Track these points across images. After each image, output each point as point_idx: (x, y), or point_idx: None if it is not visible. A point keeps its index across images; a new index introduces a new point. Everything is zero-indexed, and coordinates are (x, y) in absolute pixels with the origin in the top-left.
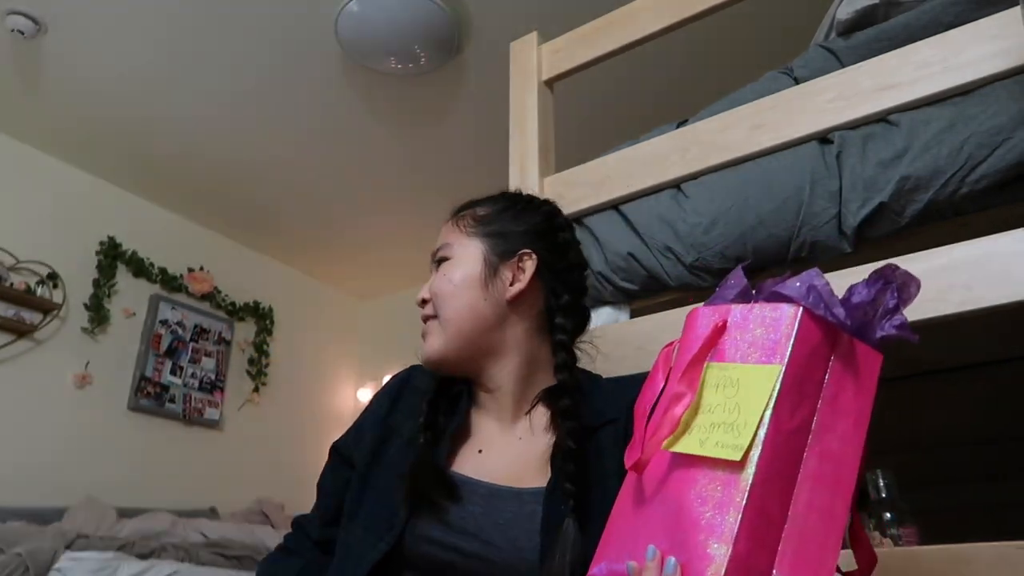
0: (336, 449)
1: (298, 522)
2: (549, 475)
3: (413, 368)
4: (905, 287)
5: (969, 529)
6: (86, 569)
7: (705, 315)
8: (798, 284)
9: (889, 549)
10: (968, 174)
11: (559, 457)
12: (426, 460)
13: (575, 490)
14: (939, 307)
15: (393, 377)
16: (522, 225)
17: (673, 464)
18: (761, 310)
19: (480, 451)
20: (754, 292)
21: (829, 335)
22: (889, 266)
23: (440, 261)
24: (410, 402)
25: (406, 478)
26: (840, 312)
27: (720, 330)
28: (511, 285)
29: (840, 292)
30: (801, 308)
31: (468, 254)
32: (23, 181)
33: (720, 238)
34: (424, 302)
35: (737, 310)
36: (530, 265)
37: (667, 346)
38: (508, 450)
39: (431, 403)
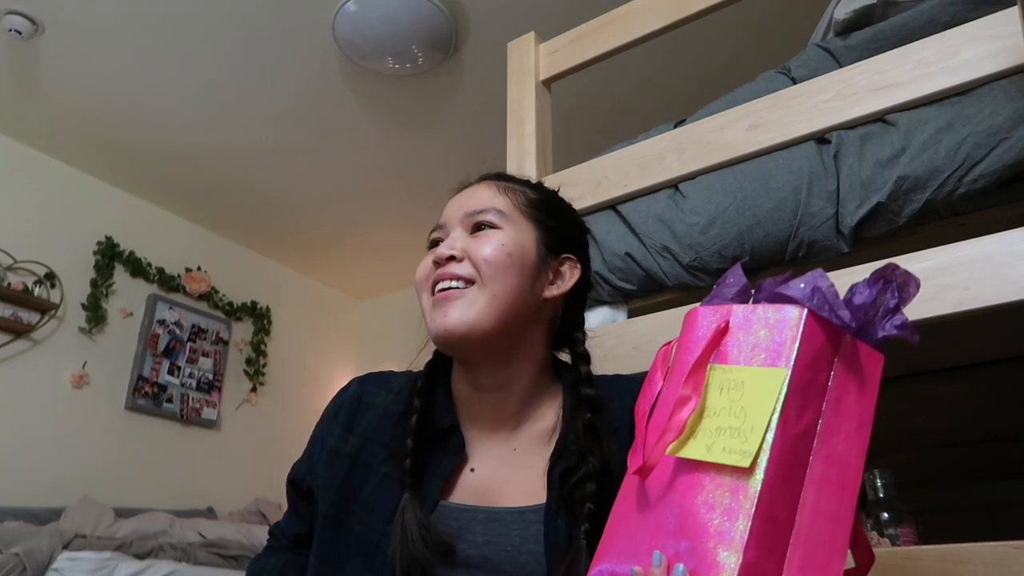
0: (292, 483)
1: (272, 532)
2: (546, 490)
3: (362, 382)
4: (905, 286)
5: (967, 529)
6: (83, 569)
7: (706, 315)
8: (802, 285)
9: (887, 549)
10: (965, 174)
11: (557, 473)
12: (417, 522)
13: (595, 512)
14: (937, 307)
15: (339, 394)
16: (569, 228)
17: (677, 468)
18: (764, 311)
19: (472, 469)
20: (753, 291)
21: (833, 337)
22: (889, 265)
23: (482, 225)
24: (366, 422)
25: (397, 545)
26: (845, 314)
27: (723, 331)
28: (551, 284)
29: (840, 291)
30: (806, 310)
31: (524, 234)
32: (20, 181)
33: (718, 238)
34: (452, 260)
35: (739, 311)
36: (574, 274)
37: (665, 345)
38: (504, 465)
39: (415, 444)
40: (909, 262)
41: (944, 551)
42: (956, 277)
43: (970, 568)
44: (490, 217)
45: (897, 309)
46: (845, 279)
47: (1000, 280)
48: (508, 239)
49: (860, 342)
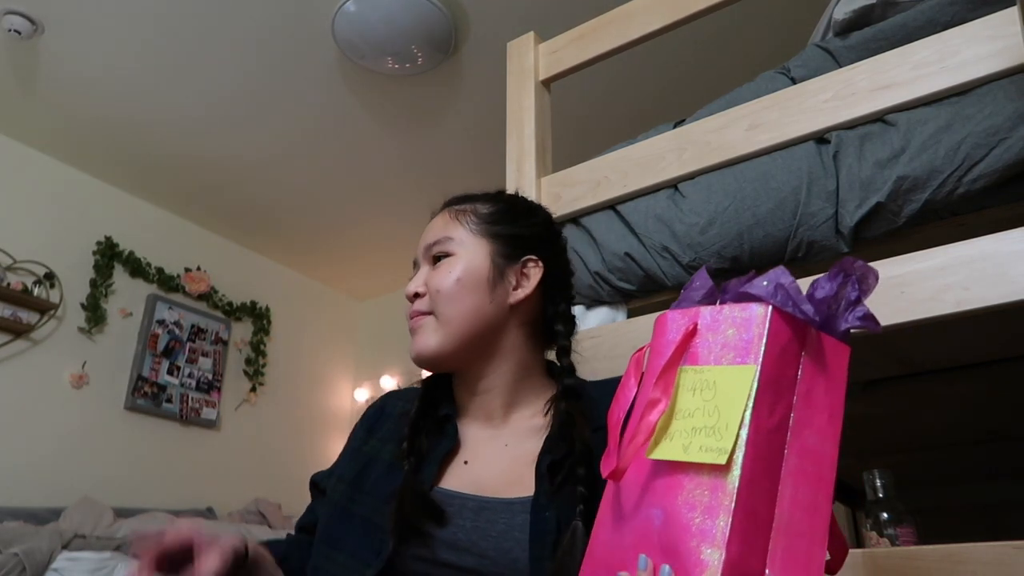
0: (312, 483)
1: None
2: (535, 482)
3: (387, 396)
4: (864, 279)
5: (967, 529)
6: (83, 569)
7: (674, 319)
8: (765, 283)
9: (886, 549)
10: (965, 174)
11: (545, 465)
12: (411, 487)
13: (587, 495)
14: (936, 307)
15: (369, 407)
16: (527, 229)
17: (655, 471)
18: (731, 311)
19: (466, 462)
20: (720, 292)
21: (798, 332)
22: (847, 259)
23: (439, 256)
24: (385, 428)
25: (393, 507)
26: (808, 308)
27: (691, 333)
28: (515, 290)
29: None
30: (771, 307)
31: (475, 253)
32: (20, 181)
33: (717, 238)
34: (417, 296)
35: (707, 312)
36: (536, 272)
37: (638, 351)
38: (495, 459)
39: (413, 426)
40: (909, 262)
41: (944, 551)
42: (956, 277)
43: (970, 568)
44: (443, 247)
45: (858, 301)
46: None
47: (1000, 280)
48: (457, 265)
49: (825, 335)
